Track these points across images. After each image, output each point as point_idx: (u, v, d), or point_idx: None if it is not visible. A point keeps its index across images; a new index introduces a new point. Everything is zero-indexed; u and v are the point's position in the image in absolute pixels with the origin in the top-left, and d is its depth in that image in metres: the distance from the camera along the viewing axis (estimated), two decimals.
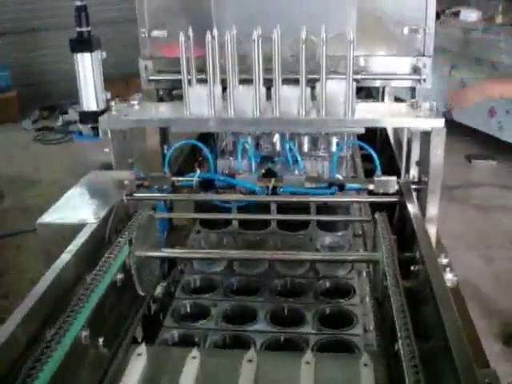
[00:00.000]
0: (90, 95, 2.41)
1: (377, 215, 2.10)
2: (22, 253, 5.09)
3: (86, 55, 2.35)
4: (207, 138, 2.81)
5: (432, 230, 2.15)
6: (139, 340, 2.09)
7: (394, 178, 2.27)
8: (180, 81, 2.28)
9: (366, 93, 3.50)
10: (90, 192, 2.27)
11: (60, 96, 9.18)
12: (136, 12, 2.93)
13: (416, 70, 2.85)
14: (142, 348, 1.81)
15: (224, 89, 2.31)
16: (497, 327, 4.04)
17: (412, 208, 2.09)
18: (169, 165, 2.43)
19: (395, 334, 1.53)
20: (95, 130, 2.38)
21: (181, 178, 2.40)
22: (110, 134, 2.33)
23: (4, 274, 4.86)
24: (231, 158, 2.63)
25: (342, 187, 2.33)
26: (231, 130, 2.52)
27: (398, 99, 3.47)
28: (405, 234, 2.09)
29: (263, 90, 2.27)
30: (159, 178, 2.38)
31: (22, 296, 1.56)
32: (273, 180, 2.35)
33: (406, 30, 2.81)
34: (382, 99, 3.38)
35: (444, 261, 1.88)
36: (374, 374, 1.69)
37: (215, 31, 2.22)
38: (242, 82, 2.33)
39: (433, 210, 2.20)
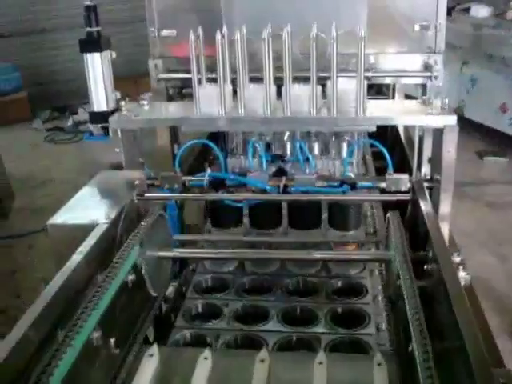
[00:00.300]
0: (100, 95, 2.40)
1: (389, 213, 2.09)
2: (33, 252, 5.11)
3: (96, 55, 2.34)
4: (218, 137, 2.80)
5: (445, 229, 2.13)
6: (151, 340, 2.09)
7: (406, 176, 2.25)
8: (190, 79, 2.27)
9: (376, 90, 3.49)
10: (101, 192, 2.27)
11: (70, 96, 9.22)
12: (145, 11, 2.93)
13: (427, 66, 2.82)
14: (154, 348, 1.80)
15: (234, 88, 2.30)
16: (510, 325, 4.01)
17: (425, 206, 2.07)
18: (179, 164, 2.42)
19: (409, 334, 1.52)
20: (105, 129, 2.37)
21: (191, 178, 2.40)
22: (120, 134, 2.33)
23: (15, 273, 4.88)
24: (242, 157, 2.62)
25: (353, 185, 2.32)
26: (242, 129, 2.51)
27: (408, 96, 3.45)
28: (417, 232, 2.07)
29: (274, 88, 2.26)
30: (170, 178, 2.38)
31: (33, 296, 1.56)
32: (284, 179, 2.34)
33: (416, 27, 2.79)
34: (393, 96, 3.36)
35: (457, 259, 1.86)
36: (388, 373, 1.68)
37: (225, 30, 2.21)
38: (253, 80, 2.32)
39: (445, 207, 2.19)
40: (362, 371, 1.73)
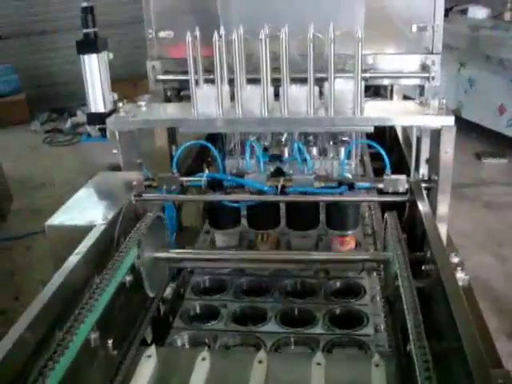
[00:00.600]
0: (98, 96, 2.40)
1: (387, 214, 2.08)
2: (32, 254, 5.11)
3: (93, 57, 2.34)
4: (215, 138, 2.80)
5: (442, 229, 2.13)
6: (149, 341, 2.09)
7: (403, 177, 2.25)
8: (187, 81, 2.27)
9: (374, 92, 3.49)
10: (99, 193, 2.27)
11: (69, 98, 9.23)
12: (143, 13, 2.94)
13: (425, 67, 2.82)
14: (152, 349, 1.80)
15: (232, 89, 2.30)
16: (509, 326, 4.00)
17: (422, 207, 2.07)
18: (177, 165, 2.42)
19: (407, 334, 1.52)
20: (103, 131, 2.37)
21: (189, 179, 2.40)
22: (117, 135, 2.33)
23: (14, 275, 4.88)
24: (239, 158, 2.62)
25: (351, 186, 2.32)
26: (239, 130, 2.51)
27: (406, 97, 3.45)
28: (415, 232, 2.07)
29: (271, 89, 2.26)
30: (168, 179, 2.38)
31: (32, 297, 1.55)
32: (282, 179, 2.34)
33: (414, 28, 2.79)
34: (391, 97, 3.36)
35: (455, 260, 1.86)
36: (386, 374, 1.68)
37: (222, 31, 2.21)
38: (250, 81, 2.32)
39: (443, 208, 2.19)
40: (360, 372, 1.72)
